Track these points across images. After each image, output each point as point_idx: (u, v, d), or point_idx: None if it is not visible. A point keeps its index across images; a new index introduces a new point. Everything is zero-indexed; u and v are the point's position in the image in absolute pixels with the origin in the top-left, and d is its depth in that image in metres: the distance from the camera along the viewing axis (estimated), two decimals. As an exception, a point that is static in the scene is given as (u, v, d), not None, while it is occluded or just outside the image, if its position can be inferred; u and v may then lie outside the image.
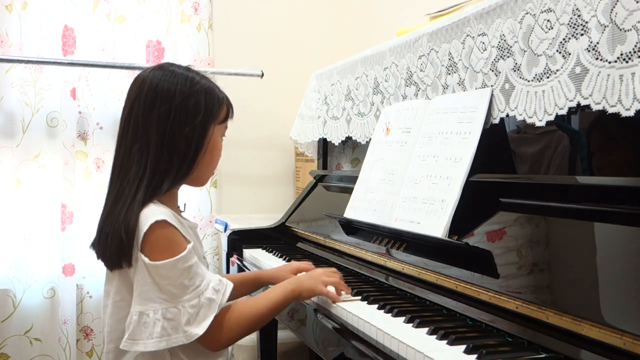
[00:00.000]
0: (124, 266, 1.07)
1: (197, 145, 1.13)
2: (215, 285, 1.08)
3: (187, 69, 1.18)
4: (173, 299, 1.04)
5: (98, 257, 1.12)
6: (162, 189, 1.10)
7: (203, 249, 1.25)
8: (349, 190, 1.70)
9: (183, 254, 1.05)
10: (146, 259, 1.04)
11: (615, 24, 0.93)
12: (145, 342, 1.02)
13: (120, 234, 1.05)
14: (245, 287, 1.40)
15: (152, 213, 1.06)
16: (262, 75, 2.59)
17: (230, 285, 1.12)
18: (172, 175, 1.11)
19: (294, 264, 1.45)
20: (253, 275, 1.45)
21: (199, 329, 1.04)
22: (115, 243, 1.06)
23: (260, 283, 1.42)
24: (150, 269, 1.03)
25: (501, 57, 1.21)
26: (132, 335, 1.03)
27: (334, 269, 1.31)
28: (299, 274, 1.34)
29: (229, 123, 1.22)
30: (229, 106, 1.21)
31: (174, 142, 1.11)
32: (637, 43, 0.89)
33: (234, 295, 1.38)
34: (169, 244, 1.06)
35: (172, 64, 1.18)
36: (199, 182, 1.20)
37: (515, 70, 1.18)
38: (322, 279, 1.23)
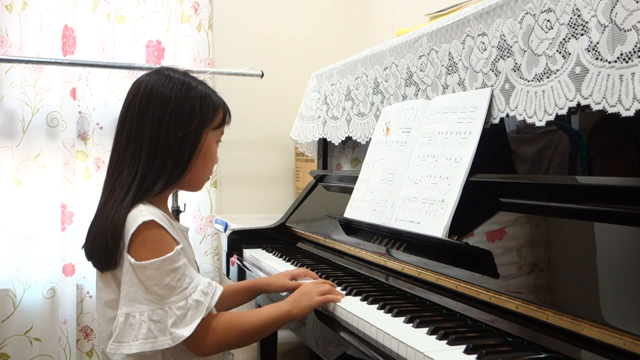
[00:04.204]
0: (112, 267, 1.07)
1: (191, 150, 1.13)
2: (204, 287, 1.07)
3: (185, 73, 1.17)
4: (159, 300, 1.03)
5: (88, 259, 1.12)
6: (154, 190, 1.10)
7: (194, 252, 1.24)
8: (349, 190, 1.70)
9: (170, 254, 1.04)
10: (132, 259, 1.03)
11: (615, 24, 0.93)
12: (131, 344, 1.01)
13: (107, 235, 1.05)
14: (242, 296, 1.39)
15: (140, 213, 1.06)
16: (262, 75, 2.59)
17: (219, 289, 1.10)
18: (165, 178, 1.11)
19: (289, 270, 1.45)
20: (249, 283, 1.44)
21: (186, 331, 1.03)
22: (103, 244, 1.06)
23: (256, 291, 1.42)
24: (136, 270, 1.03)
25: (501, 57, 1.21)
26: (118, 338, 1.03)
27: (322, 280, 1.31)
28: (294, 289, 1.33)
29: (229, 125, 1.22)
30: (226, 112, 1.20)
31: (167, 147, 1.11)
32: (637, 43, 0.89)
33: (231, 304, 1.37)
34: (155, 245, 1.05)
35: (170, 68, 1.18)
36: (192, 187, 1.20)
37: (515, 70, 1.18)
38: (315, 292, 1.22)
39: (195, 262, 1.22)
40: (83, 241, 1.15)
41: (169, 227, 1.09)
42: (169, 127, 1.11)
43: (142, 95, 1.12)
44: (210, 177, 1.22)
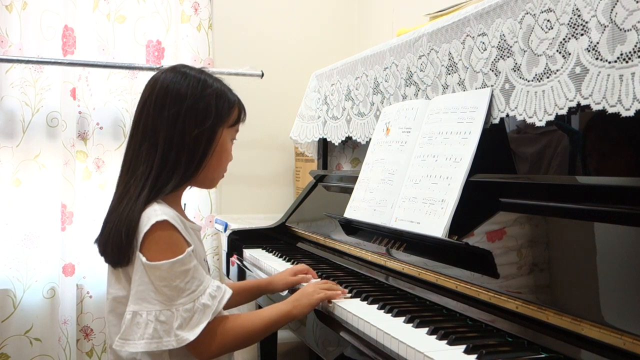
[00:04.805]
0: (124, 264, 1.07)
1: (205, 147, 1.13)
2: (212, 291, 1.08)
3: (201, 71, 1.18)
4: (167, 302, 1.03)
5: (101, 254, 1.13)
6: (167, 188, 1.11)
7: (205, 252, 1.24)
8: (349, 190, 1.70)
9: (181, 256, 1.05)
10: (144, 259, 1.04)
11: (615, 24, 0.93)
12: (136, 342, 1.02)
13: (121, 232, 1.06)
14: (245, 296, 1.40)
15: (154, 213, 1.06)
16: (262, 75, 2.59)
17: (228, 293, 1.11)
18: (179, 175, 1.11)
19: (290, 267, 1.46)
20: (252, 283, 1.46)
21: (191, 335, 1.03)
22: (116, 241, 1.06)
23: (259, 291, 1.43)
24: (147, 269, 1.03)
25: (501, 57, 1.21)
26: (124, 335, 1.03)
27: (324, 281, 1.32)
28: (296, 286, 1.35)
29: (244, 123, 1.23)
30: (241, 109, 1.21)
31: (182, 144, 1.11)
32: (637, 43, 0.89)
33: (233, 303, 1.37)
34: (168, 245, 1.05)
35: (186, 66, 1.19)
36: (207, 185, 1.21)
37: (515, 70, 1.18)
38: (316, 290, 1.22)
39: (206, 261, 1.23)
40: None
41: (181, 228, 1.09)
42: (184, 124, 1.11)
43: (158, 92, 1.13)
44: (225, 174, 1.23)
